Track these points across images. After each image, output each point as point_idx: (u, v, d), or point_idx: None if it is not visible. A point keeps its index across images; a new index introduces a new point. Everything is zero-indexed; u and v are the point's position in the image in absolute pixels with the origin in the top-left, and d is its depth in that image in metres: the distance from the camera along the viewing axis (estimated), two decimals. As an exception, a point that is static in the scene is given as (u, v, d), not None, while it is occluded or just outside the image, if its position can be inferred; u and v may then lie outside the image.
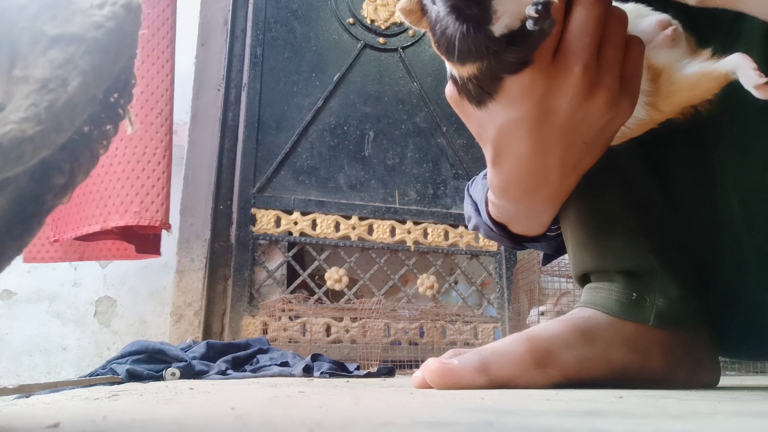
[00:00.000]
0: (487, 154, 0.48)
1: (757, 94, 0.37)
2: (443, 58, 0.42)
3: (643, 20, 0.46)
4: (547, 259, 0.72)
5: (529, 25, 0.36)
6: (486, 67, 0.40)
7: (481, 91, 0.43)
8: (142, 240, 1.25)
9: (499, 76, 0.41)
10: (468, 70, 0.41)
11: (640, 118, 0.46)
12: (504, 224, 0.60)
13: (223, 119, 1.75)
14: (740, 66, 0.39)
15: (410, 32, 1.97)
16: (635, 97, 0.43)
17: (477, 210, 0.64)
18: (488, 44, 0.37)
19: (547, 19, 0.36)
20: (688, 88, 0.43)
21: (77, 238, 1.20)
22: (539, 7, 0.35)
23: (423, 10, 0.41)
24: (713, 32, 0.47)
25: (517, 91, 0.41)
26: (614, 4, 0.42)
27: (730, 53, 0.41)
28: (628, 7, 0.43)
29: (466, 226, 1.36)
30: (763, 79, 0.37)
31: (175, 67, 1.26)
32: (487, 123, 0.45)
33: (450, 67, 0.43)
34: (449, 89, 0.46)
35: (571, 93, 0.41)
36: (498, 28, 0.37)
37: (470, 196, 0.67)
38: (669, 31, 0.44)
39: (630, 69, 0.42)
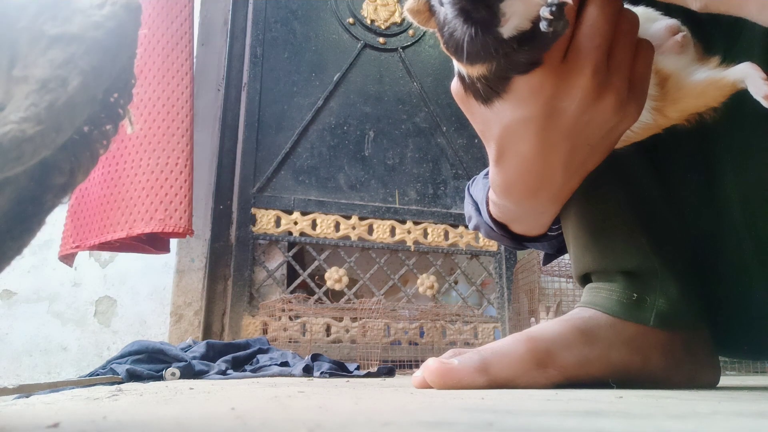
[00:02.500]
0: (491, 152, 0.48)
1: (767, 104, 0.37)
2: (452, 58, 0.42)
3: (653, 24, 0.45)
4: (548, 258, 0.72)
5: (543, 26, 0.36)
6: (495, 68, 0.40)
7: (489, 90, 0.42)
8: (155, 240, 1.27)
9: (508, 75, 0.40)
10: (477, 70, 0.41)
11: (646, 122, 0.46)
12: (505, 224, 0.60)
13: (223, 119, 1.75)
14: (749, 75, 0.39)
15: (410, 32, 1.97)
16: (643, 101, 0.43)
17: (478, 210, 0.64)
18: (497, 47, 0.37)
19: (561, 20, 0.36)
20: (695, 96, 0.43)
21: (99, 246, 1.21)
22: (553, 9, 0.35)
23: (431, 11, 0.41)
24: (716, 33, 0.47)
25: (525, 91, 0.41)
26: (625, 6, 0.42)
27: (732, 54, 0.41)
28: (638, 11, 0.43)
29: (466, 226, 1.36)
30: None
31: (194, 78, 1.27)
32: (492, 121, 0.45)
33: (458, 65, 0.43)
34: (455, 85, 0.46)
35: (580, 94, 0.41)
36: (507, 30, 0.36)
37: (471, 195, 0.67)
38: (679, 36, 0.44)
39: (639, 72, 0.42)
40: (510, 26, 0.36)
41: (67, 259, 1.31)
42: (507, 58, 0.38)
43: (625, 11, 0.41)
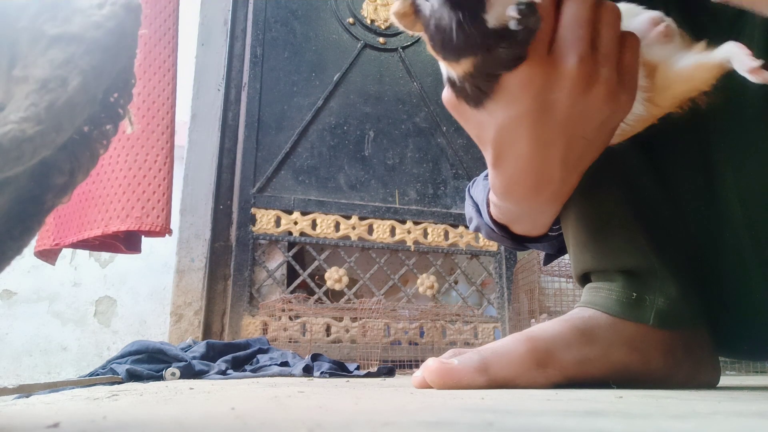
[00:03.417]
0: (488, 156, 0.48)
1: (753, 78, 0.37)
2: (438, 57, 0.42)
3: (635, 19, 0.46)
4: (548, 259, 0.72)
5: (512, 25, 0.36)
6: (481, 63, 0.40)
7: (478, 92, 0.43)
8: (132, 239, 1.25)
9: (495, 73, 0.41)
10: (464, 66, 0.41)
11: (639, 114, 0.46)
12: (505, 225, 0.60)
13: (223, 119, 1.75)
14: (734, 53, 0.39)
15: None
16: (633, 91, 0.43)
17: (478, 211, 0.64)
18: (483, 36, 0.38)
19: (532, 17, 0.37)
20: (684, 81, 0.43)
21: (77, 243, 1.20)
22: (522, 7, 0.36)
23: (416, 12, 0.41)
24: (715, 31, 0.47)
25: (514, 87, 0.41)
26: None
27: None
28: (620, 7, 0.44)
29: (466, 226, 1.36)
30: (756, 63, 0.37)
31: (177, 75, 1.26)
32: (486, 124, 0.45)
33: (446, 69, 0.43)
34: (446, 94, 0.46)
35: (569, 85, 0.41)
36: (492, 16, 0.37)
37: (471, 197, 0.67)
38: (661, 27, 0.45)
39: (627, 62, 0.42)
40: (495, 12, 0.37)
41: (44, 255, 1.29)
42: (492, 52, 0.39)
43: (606, 2, 0.42)
